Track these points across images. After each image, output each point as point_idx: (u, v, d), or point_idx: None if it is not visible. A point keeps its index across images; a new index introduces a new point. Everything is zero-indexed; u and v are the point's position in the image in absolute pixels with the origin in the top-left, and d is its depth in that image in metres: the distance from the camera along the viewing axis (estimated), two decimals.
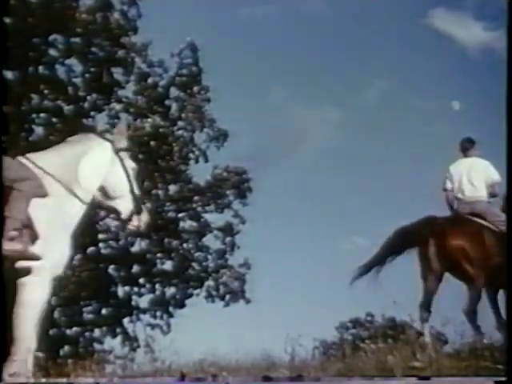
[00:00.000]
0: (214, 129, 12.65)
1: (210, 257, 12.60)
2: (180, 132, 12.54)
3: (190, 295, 12.47)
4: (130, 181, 5.36)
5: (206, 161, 12.73)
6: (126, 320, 12.08)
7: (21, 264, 4.78)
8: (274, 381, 5.95)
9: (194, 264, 12.50)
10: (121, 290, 12.09)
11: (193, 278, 12.40)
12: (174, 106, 12.53)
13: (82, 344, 11.59)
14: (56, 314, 11.29)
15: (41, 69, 11.59)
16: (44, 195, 4.95)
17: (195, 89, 12.58)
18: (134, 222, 5.37)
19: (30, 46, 11.32)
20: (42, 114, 11.51)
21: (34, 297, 4.91)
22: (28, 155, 5.32)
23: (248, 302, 12.43)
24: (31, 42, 11.34)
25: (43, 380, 6.17)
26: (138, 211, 5.37)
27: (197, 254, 12.57)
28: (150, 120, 12.18)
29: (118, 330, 11.99)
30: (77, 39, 11.71)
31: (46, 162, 5.24)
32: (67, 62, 11.77)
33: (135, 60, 12.18)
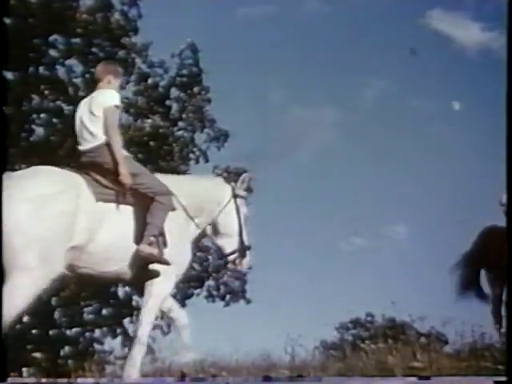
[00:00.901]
0: (214, 129, 12.65)
1: (210, 257, 12.60)
2: (180, 132, 12.54)
3: (191, 295, 12.47)
4: (240, 225, 5.92)
5: (207, 161, 12.73)
6: (126, 320, 12.07)
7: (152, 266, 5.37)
8: (274, 381, 5.96)
9: (194, 264, 12.50)
10: (121, 291, 12.08)
11: (193, 278, 12.40)
12: (175, 107, 12.52)
13: (82, 344, 11.58)
14: (56, 315, 11.29)
15: (41, 69, 11.59)
16: (174, 210, 5.57)
17: (196, 89, 12.58)
18: (236, 263, 5.95)
19: (30, 46, 11.31)
20: (42, 115, 11.51)
21: (162, 291, 5.52)
22: (168, 176, 5.92)
23: (248, 302, 12.43)
24: (31, 43, 11.34)
25: (43, 380, 6.17)
26: (241, 254, 5.93)
27: (197, 254, 12.57)
28: (150, 120, 12.17)
29: (119, 330, 11.98)
30: (77, 39, 11.70)
31: (180, 186, 5.73)
32: (67, 62, 11.77)
33: (135, 60, 12.18)
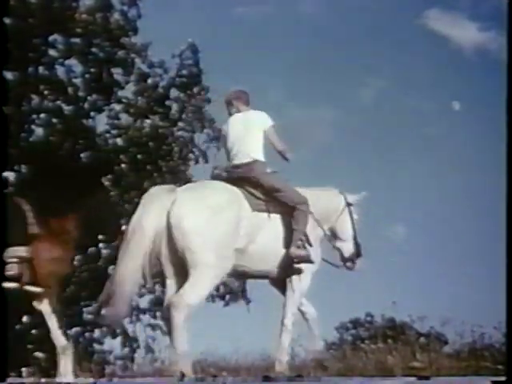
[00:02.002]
0: (214, 129, 12.65)
1: None
2: (180, 132, 12.54)
3: None
4: (354, 229, 6.72)
5: (206, 161, 12.72)
6: (126, 320, 12.07)
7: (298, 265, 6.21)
8: (273, 381, 5.96)
9: None
10: None
11: None
12: (174, 107, 12.52)
13: (82, 344, 11.58)
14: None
15: (41, 69, 11.58)
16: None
17: (195, 89, 12.58)
18: (351, 264, 6.74)
19: (29, 46, 11.31)
20: (41, 115, 11.51)
21: (303, 286, 6.39)
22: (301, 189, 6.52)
23: (248, 301, 12.42)
24: (31, 43, 11.34)
25: (43, 380, 6.17)
26: (357, 255, 6.72)
27: None
28: (149, 120, 12.18)
29: (118, 330, 11.98)
30: (77, 40, 11.70)
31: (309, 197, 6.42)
32: (67, 62, 11.76)
33: (135, 60, 12.18)
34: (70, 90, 11.70)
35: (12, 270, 5.57)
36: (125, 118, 12.17)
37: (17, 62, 10.86)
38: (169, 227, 5.61)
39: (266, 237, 6.08)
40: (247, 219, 5.92)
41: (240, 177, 6.22)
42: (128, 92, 12.19)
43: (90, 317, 11.73)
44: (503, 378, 5.57)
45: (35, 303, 5.69)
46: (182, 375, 5.63)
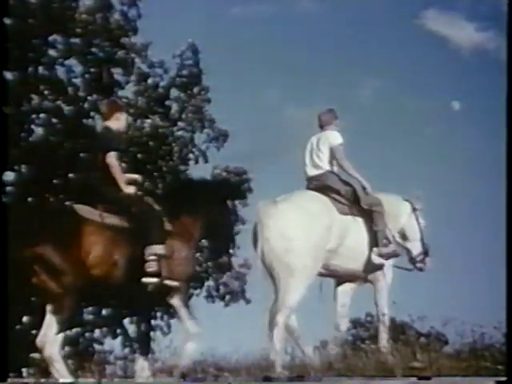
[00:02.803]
0: (213, 129, 12.66)
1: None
2: (180, 132, 12.55)
3: (190, 295, 12.46)
4: (421, 231, 7.23)
5: (206, 161, 12.74)
6: (126, 321, 12.07)
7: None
8: (273, 381, 5.95)
9: None
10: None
11: (193, 278, 12.40)
12: (174, 107, 12.54)
13: (82, 344, 11.58)
14: None
15: (41, 69, 11.59)
16: None
17: (195, 89, 12.59)
18: (422, 264, 7.23)
19: (29, 46, 11.32)
20: (41, 115, 11.51)
21: (389, 281, 7.00)
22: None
23: (248, 302, 12.43)
24: (31, 43, 11.35)
25: (43, 380, 6.17)
26: (425, 254, 7.22)
27: (197, 254, 12.57)
28: (150, 120, 12.18)
29: (118, 330, 11.98)
30: (77, 40, 11.72)
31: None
32: (67, 62, 11.79)
33: (135, 60, 12.20)
34: (70, 89, 11.71)
35: (151, 266, 5.86)
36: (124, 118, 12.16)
37: (17, 62, 10.86)
38: (273, 235, 6.38)
39: (353, 238, 6.74)
40: (337, 223, 6.61)
41: (320, 186, 6.88)
42: (128, 92, 12.22)
43: (89, 317, 11.73)
44: (504, 379, 5.57)
45: (169, 297, 6.07)
46: (183, 375, 5.62)
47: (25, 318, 10.45)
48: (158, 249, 5.89)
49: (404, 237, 7.27)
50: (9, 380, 5.74)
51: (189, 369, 6.33)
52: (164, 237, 5.97)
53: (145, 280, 5.84)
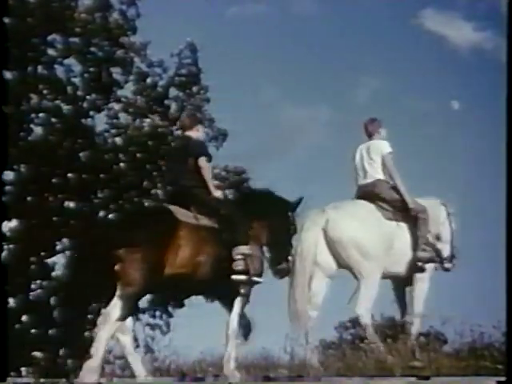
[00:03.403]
0: (213, 129, 12.65)
1: None
2: (179, 132, 12.54)
3: (190, 295, 12.45)
4: (452, 234, 7.73)
5: None
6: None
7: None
8: (273, 380, 5.96)
9: None
10: None
11: None
12: (174, 106, 12.51)
13: (81, 344, 11.56)
14: (56, 314, 11.28)
15: (40, 69, 11.56)
16: None
17: (194, 89, 12.58)
18: (450, 264, 7.68)
19: (28, 45, 11.30)
20: (41, 114, 11.49)
21: (428, 283, 7.55)
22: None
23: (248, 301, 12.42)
24: (30, 42, 11.32)
25: (42, 380, 6.18)
26: (453, 256, 7.71)
27: None
28: (149, 120, 12.17)
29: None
30: (76, 39, 11.69)
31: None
32: (66, 61, 11.74)
33: (134, 60, 12.17)
34: (69, 89, 11.68)
35: (240, 265, 6.42)
36: (124, 118, 12.16)
37: (16, 62, 10.84)
38: (329, 243, 7.08)
39: (399, 242, 7.33)
40: (385, 229, 7.23)
41: (368, 193, 7.44)
42: (127, 91, 12.19)
43: (89, 317, 11.72)
44: (503, 379, 5.58)
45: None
46: (183, 375, 5.63)
47: (24, 318, 10.44)
48: (245, 249, 6.48)
49: (438, 239, 7.76)
50: (8, 380, 5.74)
51: (188, 368, 6.34)
52: (249, 238, 6.56)
53: (234, 277, 6.45)
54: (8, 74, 10.78)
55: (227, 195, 6.82)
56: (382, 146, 7.56)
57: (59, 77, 11.67)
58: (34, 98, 11.41)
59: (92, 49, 11.80)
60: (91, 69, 11.85)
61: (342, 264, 7.18)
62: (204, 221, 6.41)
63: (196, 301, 12.42)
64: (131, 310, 6.24)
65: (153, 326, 12.09)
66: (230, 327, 6.54)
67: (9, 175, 10.91)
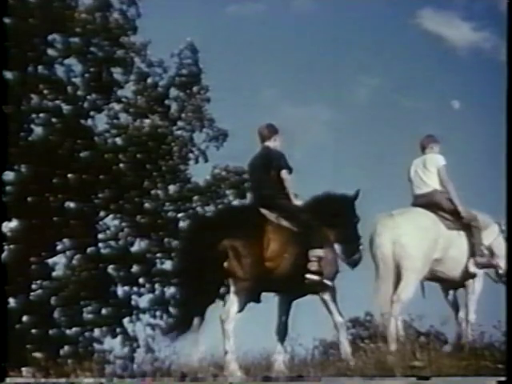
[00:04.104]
0: (213, 129, 12.65)
1: None
2: (179, 132, 12.54)
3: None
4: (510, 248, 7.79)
5: (206, 161, 12.73)
6: (125, 320, 12.07)
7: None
8: (273, 380, 5.95)
9: None
10: (120, 290, 12.09)
11: None
12: (174, 106, 12.53)
13: (81, 344, 11.58)
14: (56, 314, 11.29)
15: (40, 69, 11.58)
16: None
17: (195, 89, 12.58)
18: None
19: (29, 45, 11.31)
20: (41, 114, 11.51)
21: (481, 288, 7.87)
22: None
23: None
24: (30, 42, 11.34)
25: (43, 380, 6.17)
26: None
27: None
28: (149, 120, 12.18)
29: (118, 329, 11.97)
30: (76, 39, 11.71)
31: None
32: (66, 61, 11.77)
33: (134, 60, 12.18)
34: (69, 89, 11.70)
35: (314, 266, 6.92)
36: (124, 118, 12.18)
37: (16, 62, 10.85)
38: (394, 243, 7.50)
39: (456, 250, 7.70)
40: (443, 237, 7.61)
41: (426, 203, 7.81)
42: (127, 91, 12.21)
43: (89, 316, 11.74)
44: (504, 378, 5.57)
45: (321, 293, 7.11)
46: (182, 375, 5.62)
47: (24, 318, 10.45)
48: (320, 252, 6.98)
49: (492, 253, 8.02)
50: (8, 379, 5.74)
51: (188, 368, 6.33)
52: (324, 242, 7.10)
53: (308, 276, 6.93)
54: (8, 74, 10.79)
55: (305, 203, 7.25)
56: (437, 159, 8.03)
57: (59, 77, 11.69)
58: (35, 98, 11.42)
59: (92, 49, 11.82)
60: (91, 69, 11.86)
61: (398, 266, 7.59)
62: (284, 222, 6.97)
63: None
64: (247, 301, 6.71)
65: (153, 326, 12.10)
66: (337, 321, 7.13)
67: (9, 175, 10.92)
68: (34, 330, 10.47)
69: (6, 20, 10.15)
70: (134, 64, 12.20)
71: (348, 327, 8.37)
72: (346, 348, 7.02)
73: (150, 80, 12.36)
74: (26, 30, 11.06)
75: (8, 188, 10.86)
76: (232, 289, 6.69)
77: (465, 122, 12.65)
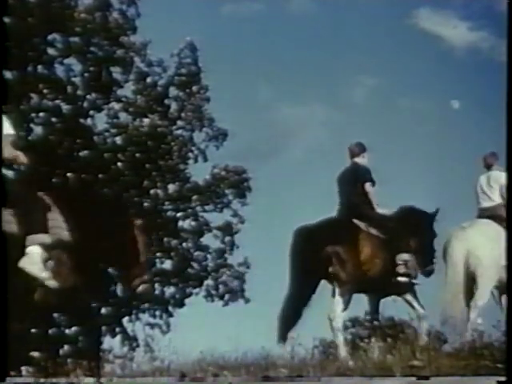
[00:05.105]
0: (213, 128, 12.65)
1: (209, 256, 12.59)
2: (179, 131, 12.53)
3: (190, 294, 12.46)
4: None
5: (206, 160, 12.73)
6: (125, 319, 12.07)
7: None
8: (273, 380, 5.96)
9: (193, 263, 12.50)
10: (120, 290, 12.08)
11: (192, 278, 12.39)
12: (173, 106, 12.52)
13: (81, 343, 11.57)
14: (56, 314, 11.28)
15: (40, 68, 11.58)
16: None
17: (194, 88, 12.58)
18: None
19: (28, 45, 11.31)
20: (41, 114, 11.50)
21: None
22: None
23: (247, 301, 12.44)
24: (30, 42, 11.33)
25: (42, 380, 6.18)
26: None
27: (196, 254, 12.56)
28: (148, 119, 12.17)
29: (118, 329, 11.98)
30: (76, 38, 11.70)
31: None
32: (66, 61, 11.76)
33: (134, 59, 12.17)
34: (69, 88, 11.69)
35: (401, 269, 7.79)
36: (124, 117, 12.17)
37: (16, 61, 10.85)
38: (467, 254, 7.94)
39: None
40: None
41: (492, 215, 8.22)
42: (127, 91, 12.20)
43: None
44: (503, 378, 5.58)
45: (404, 294, 7.92)
46: (182, 375, 5.63)
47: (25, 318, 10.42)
48: (406, 256, 7.78)
49: None
50: (8, 379, 5.75)
51: (188, 368, 6.34)
52: (408, 248, 7.88)
53: (398, 278, 7.73)
54: (8, 74, 10.78)
55: (391, 213, 8.16)
56: (501, 177, 8.39)
57: (59, 76, 11.68)
58: (34, 98, 11.42)
59: (92, 48, 11.81)
60: (91, 68, 11.85)
61: (470, 275, 8.04)
62: (373, 230, 7.79)
63: (196, 301, 12.49)
64: (349, 302, 7.54)
65: (153, 326, 12.11)
66: (421, 313, 7.88)
67: (9, 175, 10.91)
68: (33, 330, 10.46)
69: (6, 20, 10.14)
70: (134, 63, 12.19)
71: (347, 326, 8.40)
72: (423, 335, 7.65)
73: (149, 79, 12.35)
74: (26, 30, 11.05)
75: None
76: (337, 291, 7.53)
77: (463, 122, 12.66)
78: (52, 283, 6.05)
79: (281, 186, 13.45)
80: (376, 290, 7.93)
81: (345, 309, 7.51)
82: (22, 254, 5.94)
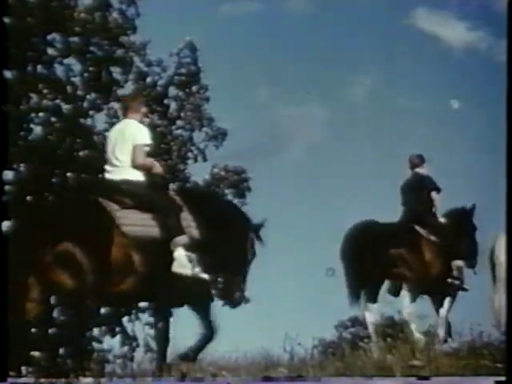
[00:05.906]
0: (212, 128, 12.65)
1: None
2: (179, 131, 12.55)
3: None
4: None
5: (205, 160, 12.74)
6: (125, 319, 12.07)
7: None
8: (273, 380, 5.96)
9: None
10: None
11: None
12: (173, 105, 12.53)
13: (81, 343, 11.56)
14: (56, 314, 11.28)
15: (39, 68, 11.59)
16: None
17: (194, 88, 12.59)
18: None
19: (28, 45, 11.31)
20: (40, 114, 11.50)
21: None
22: None
23: (247, 301, 12.44)
24: (30, 42, 11.34)
25: (43, 380, 6.18)
26: None
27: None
28: (148, 119, 12.17)
29: (118, 329, 11.98)
30: (75, 38, 11.71)
31: None
32: (66, 61, 11.78)
33: (134, 59, 12.19)
34: (68, 88, 11.70)
35: (455, 274, 8.42)
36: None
37: (16, 61, 10.86)
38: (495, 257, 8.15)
39: None
40: None
41: None
42: (127, 90, 12.19)
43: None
44: (503, 378, 5.58)
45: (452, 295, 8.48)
46: (182, 375, 5.63)
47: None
48: (460, 263, 8.44)
49: None
50: (9, 379, 5.75)
51: (188, 368, 6.34)
52: (460, 254, 8.50)
53: (449, 280, 8.36)
54: (8, 74, 10.79)
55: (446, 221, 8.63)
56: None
57: (59, 76, 11.69)
58: (34, 98, 11.42)
59: (91, 48, 11.82)
60: (91, 68, 11.86)
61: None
62: (433, 238, 8.38)
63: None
64: (416, 298, 8.23)
65: (153, 325, 12.10)
66: (445, 315, 8.34)
67: (9, 175, 10.92)
68: (33, 330, 10.45)
69: (6, 19, 10.14)
70: (134, 63, 12.20)
71: (347, 326, 8.38)
72: (442, 333, 8.14)
73: (149, 79, 12.37)
74: (26, 30, 11.06)
75: (8, 188, 10.86)
76: (405, 287, 8.21)
77: (461, 122, 12.68)
78: (205, 275, 6.68)
79: (282, 186, 13.47)
80: (434, 291, 8.42)
81: (413, 301, 8.15)
82: (170, 257, 6.40)
